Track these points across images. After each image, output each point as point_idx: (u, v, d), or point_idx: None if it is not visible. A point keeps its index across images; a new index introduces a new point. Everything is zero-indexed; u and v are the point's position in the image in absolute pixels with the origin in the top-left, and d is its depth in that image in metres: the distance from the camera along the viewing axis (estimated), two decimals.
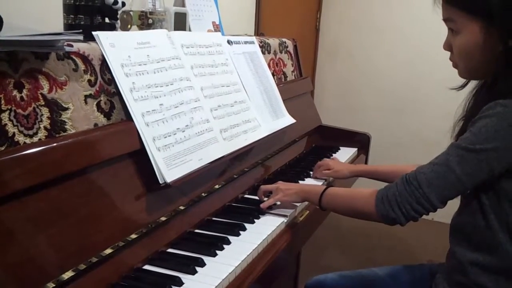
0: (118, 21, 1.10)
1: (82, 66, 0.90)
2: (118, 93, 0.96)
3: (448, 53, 0.98)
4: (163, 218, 0.99)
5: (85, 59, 0.91)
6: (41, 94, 0.81)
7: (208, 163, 1.09)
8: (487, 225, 0.90)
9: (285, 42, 1.82)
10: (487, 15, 0.87)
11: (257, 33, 2.47)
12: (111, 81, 0.96)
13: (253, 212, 1.17)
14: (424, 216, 0.93)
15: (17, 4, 1.19)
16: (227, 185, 1.24)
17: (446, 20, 0.95)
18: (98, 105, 0.93)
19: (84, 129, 0.89)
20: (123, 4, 1.08)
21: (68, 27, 1.02)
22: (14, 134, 0.76)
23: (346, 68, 3.21)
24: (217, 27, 1.58)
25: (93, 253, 0.82)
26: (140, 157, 0.95)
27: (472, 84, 1.03)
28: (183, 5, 1.45)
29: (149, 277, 0.88)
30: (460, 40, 0.93)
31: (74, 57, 0.89)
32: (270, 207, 1.20)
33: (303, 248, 1.63)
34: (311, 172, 1.52)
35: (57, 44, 0.81)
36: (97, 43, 0.95)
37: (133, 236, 0.91)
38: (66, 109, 0.86)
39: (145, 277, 0.88)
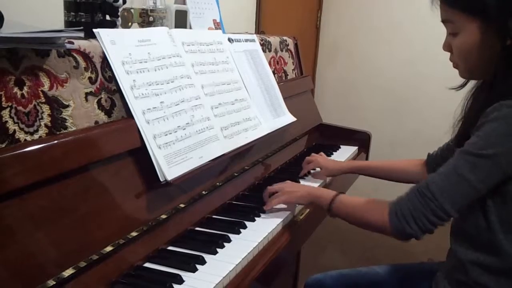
0: (119, 18, 1.10)
1: (83, 64, 0.90)
2: (118, 91, 0.96)
3: (448, 53, 0.98)
4: (163, 216, 0.99)
5: (85, 56, 0.91)
6: (42, 91, 0.81)
7: (209, 161, 1.09)
8: (488, 226, 0.90)
9: (285, 40, 1.82)
10: (484, 15, 0.87)
11: (258, 31, 2.47)
12: (112, 78, 0.96)
13: (253, 210, 1.17)
14: None
15: (18, 1, 1.19)
16: (228, 183, 1.24)
17: (444, 21, 0.95)
18: (98, 102, 0.93)
19: (85, 127, 0.89)
20: (124, 1, 1.08)
21: (69, 24, 1.02)
22: (14, 131, 0.76)
23: (346, 67, 3.21)
24: (218, 25, 1.58)
25: (94, 250, 0.82)
26: (140, 155, 0.95)
27: (471, 83, 1.03)
28: (184, 3, 1.44)
29: (150, 275, 0.88)
30: (459, 40, 0.93)
31: (74, 54, 0.89)
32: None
33: (303, 246, 1.63)
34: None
35: (57, 41, 0.81)
36: (97, 40, 0.95)
37: (134, 233, 0.91)
38: (67, 106, 0.86)
39: (145, 275, 0.88)
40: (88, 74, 0.91)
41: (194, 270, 0.89)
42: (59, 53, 0.85)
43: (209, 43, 1.28)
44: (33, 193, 0.74)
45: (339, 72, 3.23)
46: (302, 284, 1.29)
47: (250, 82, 1.41)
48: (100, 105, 0.93)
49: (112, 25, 1.06)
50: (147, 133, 0.96)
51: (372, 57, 3.10)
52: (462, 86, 1.04)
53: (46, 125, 0.81)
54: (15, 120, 0.76)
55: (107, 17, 1.06)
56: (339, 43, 3.20)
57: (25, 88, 0.78)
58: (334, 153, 1.75)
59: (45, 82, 0.82)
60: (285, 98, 1.56)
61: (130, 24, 1.24)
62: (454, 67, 0.99)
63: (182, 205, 1.06)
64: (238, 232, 1.06)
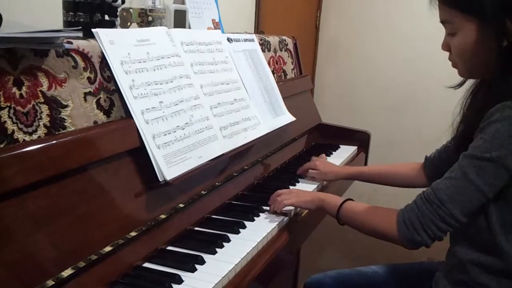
0: (118, 18, 1.10)
1: (81, 64, 0.90)
2: (117, 91, 0.96)
3: (447, 52, 0.99)
4: (162, 216, 0.99)
5: (84, 56, 0.91)
6: (41, 91, 0.81)
7: (208, 161, 1.09)
8: (489, 226, 0.89)
9: (285, 40, 1.81)
10: (481, 15, 0.87)
11: (257, 31, 2.47)
12: (111, 78, 0.95)
13: (253, 210, 1.17)
14: None
15: (17, 1, 1.19)
16: (227, 183, 1.24)
17: (443, 21, 0.95)
18: (97, 102, 0.93)
19: (84, 127, 0.88)
20: (123, 1, 1.08)
21: (68, 24, 1.01)
22: (13, 131, 0.76)
23: (345, 67, 3.20)
24: (217, 25, 1.58)
25: (93, 250, 0.82)
26: (139, 155, 0.95)
27: (470, 82, 1.03)
28: (183, 3, 1.44)
29: (149, 275, 0.88)
30: (457, 40, 0.93)
31: (73, 54, 0.88)
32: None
33: (303, 246, 1.63)
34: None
35: (56, 41, 0.81)
36: (96, 40, 0.94)
37: (133, 233, 0.91)
38: (66, 106, 0.86)
39: (144, 275, 0.88)
40: (87, 74, 0.91)
41: (193, 270, 0.89)
42: (58, 53, 0.85)
43: (208, 43, 1.28)
44: (32, 193, 0.74)
45: (338, 71, 3.23)
46: (302, 284, 1.29)
47: (249, 82, 1.40)
48: (99, 105, 0.93)
49: (111, 25, 1.06)
50: (146, 133, 0.95)
51: (371, 57, 3.10)
52: (460, 84, 1.05)
53: (45, 125, 0.81)
54: (14, 120, 0.76)
55: (106, 17, 1.06)
56: (338, 43, 3.20)
57: (24, 88, 0.78)
58: (333, 152, 1.75)
59: (44, 82, 0.82)
60: (284, 98, 1.56)
61: (129, 24, 1.24)
62: (453, 66, 0.99)
63: (181, 205, 1.06)
64: (238, 232, 1.06)
